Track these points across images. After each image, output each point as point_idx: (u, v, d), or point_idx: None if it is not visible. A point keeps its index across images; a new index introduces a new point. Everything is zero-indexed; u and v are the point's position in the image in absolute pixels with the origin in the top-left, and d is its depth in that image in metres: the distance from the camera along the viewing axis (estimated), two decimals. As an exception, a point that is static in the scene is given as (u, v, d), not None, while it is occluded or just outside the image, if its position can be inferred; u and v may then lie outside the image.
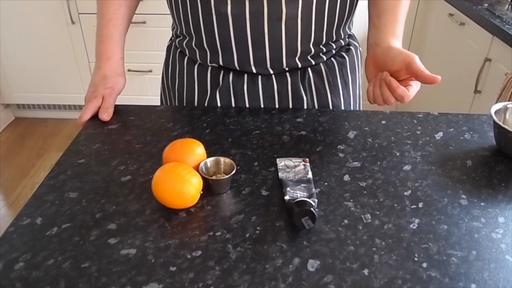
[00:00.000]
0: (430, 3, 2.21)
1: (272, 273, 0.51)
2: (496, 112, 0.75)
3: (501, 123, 0.72)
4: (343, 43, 0.88)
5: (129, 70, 2.35)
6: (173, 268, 0.51)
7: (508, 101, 1.35)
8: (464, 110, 1.81)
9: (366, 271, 0.51)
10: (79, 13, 2.28)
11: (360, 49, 0.94)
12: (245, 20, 0.75)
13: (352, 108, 0.93)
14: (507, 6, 1.79)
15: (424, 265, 0.52)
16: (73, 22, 2.30)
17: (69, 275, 0.50)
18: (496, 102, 1.31)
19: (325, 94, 0.87)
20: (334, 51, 0.87)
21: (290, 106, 0.86)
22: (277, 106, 0.86)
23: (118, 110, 0.84)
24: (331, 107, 0.88)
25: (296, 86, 0.84)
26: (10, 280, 0.50)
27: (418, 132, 0.79)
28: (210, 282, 0.50)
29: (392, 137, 0.77)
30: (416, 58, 0.68)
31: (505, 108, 0.77)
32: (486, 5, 1.79)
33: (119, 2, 0.85)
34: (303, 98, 0.85)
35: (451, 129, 0.80)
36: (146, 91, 2.42)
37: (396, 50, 0.71)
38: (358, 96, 0.95)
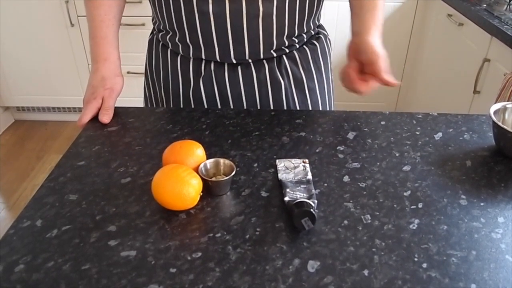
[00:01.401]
0: (428, 4, 2.21)
1: (272, 274, 0.51)
2: (495, 112, 0.75)
3: (500, 123, 0.72)
4: (313, 33, 0.94)
5: (128, 72, 2.35)
6: (173, 270, 0.51)
7: (507, 101, 1.35)
8: (463, 111, 1.81)
9: (366, 272, 0.51)
10: (78, 16, 2.29)
11: (329, 37, 1.00)
12: (226, 18, 0.79)
13: (326, 91, 0.97)
14: (505, 6, 1.79)
15: (424, 265, 0.52)
16: (72, 25, 2.30)
17: (69, 277, 0.50)
18: (495, 102, 1.32)
19: (301, 79, 0.91)
20: (305, 40, 0.91)
21: (269, 91, 0.90)
22: (257, 92, 0.89)
23: (118, 112, 0.85)
24: (307, 91, 0.92)
25: (273, 72, 0.88)
26: (10, 282, 0.50)
27: (418, 133, 0.79)
28: (210, 284, 0.50)
29: (392, 138, 0.78)
30: (380, 60, 0.75)
31: (504, 108, 0.77)
32: (485, 5, 1.79)
33: (109, 3, 0.86)
34: (281, 83, 0.89)
35: (451, 130, 0.81)
36: (146, 93, 2.42)
37: (368, 45, 0.77)
38: (331, 80, 1.00)
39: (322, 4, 0.90)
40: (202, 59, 0.87)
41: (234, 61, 0.86)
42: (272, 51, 0.86)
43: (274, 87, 0.89)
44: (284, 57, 0.89)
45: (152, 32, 0.98)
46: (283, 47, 0.87)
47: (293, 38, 0.87)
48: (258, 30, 0.81)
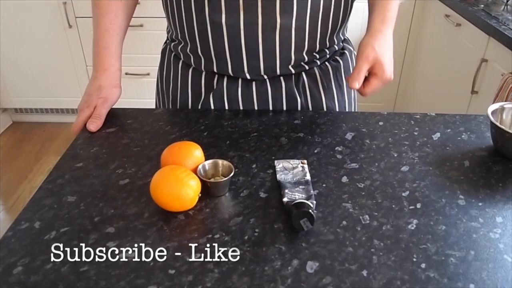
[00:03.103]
0: (426, 5, 2.22)
1: (271, 275, 0.51)
2: (493, 112, 0.75)
3: (498, 124, 0.72)
4: (337, 48, 0.89)
5: (126, 74, 2.35)
6: (172, 271, 0.51)
7: (505, 101, 1.35)
8: (461, 111, 1.81)
9: (365, 272, 0.51)
10: (76, 17, 2.28)
11: (355, 52, 0.94)
12: (240, 30, 0.75)
13: (347, 111, 0.93)
14: (503, 7, 1.79)
15: (423, 265, 0.52)
16: (70, 26, 2.30)
17: (68, 279, 0.50)
18: (493, 103, 1.32)
19: (320, 98, 0.87)
20: (328, 56, 0.87)
21: (285, 109, 0.86)
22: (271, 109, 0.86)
23: (116, 113, 0.84)
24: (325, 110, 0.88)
25: (291, 90, 0.85)
26: (8, 284, 0.50)
27: (416, 133, 0.79)
28: (209, 285, 0.50)
29: (390, 138, 0.78)
30: (385, 75, 0.78)
31: (502, 109, 0.77)
32: (482, 6, 1.79)
33: (115, 12, 0.84)
34: (297, 102, 0.86)
35: (449, 130, 0.81)
36: (144, 94, 2.42)
37: (360, 49, 0.78)
38: (353, 99, 0.95)
39: (349, 16, 0.85)
40: (214, 73, 0.84)
41: (248, 77, 0.82)
42: (290, 67, 0.81)
43: (290, 106, 0.86)
44: (303, 74, 0.84)
45: (165, 42, 0.96)
46: (302, 63, 0.82)
47: (314, 53, 0.82)
48: (275, 44, 0.77)
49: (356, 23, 2.12)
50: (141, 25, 2.25)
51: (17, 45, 2.38)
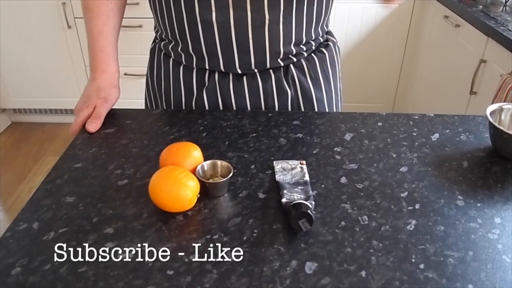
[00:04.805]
0: (425, 5, 2.22)
1: (269, 276, 0.51)
2: (492, 113, 0.75)
3: (496, 124, 0.72)
4: (321, 40, 0.92)
5: (125, 74, 2.35)
6: (170, 272, 0.51)
7: (504, 102, 1.35)
8: (460, 111, 1.81)
9: (363, 273, 0.51)
10: (75, 18, 2.28)
11: (338, 44, 0.97)
12: (230, 27, 0.77)
13: (334, 101, 0.95)
14: (501, 7, 1.80)
15: (421, 266, 0.52)
16: (69, 27, 2.30)
17: (66, 279, 0.50)
18: (492, 103, 1.32)
19: (309, 89, 0.89)
20: (314, 48, 0.89)
21: (276, 102, 0.88)
22: (262, 102, 0.88)
23: (115, 114, 0.84)
24: (314, 101, 0.90)
25: (280, 82, 0.86)
26: (7, 285, 0.50)
27: (414, 134, 0.79)
28: (208, 286, 0.50)
29: (389, 139, 0.78)
30: None
31: (501, 109, 0.77)
32: (481, 7, 1.80)
33: (107, 14, 0.84)
34: (287, 93, 0.87)
35: (447, 131, 0.81)
36: (143, 95, 2.40)
37: None
38: (339, 90, 0.97)
39: (331, 9, 0.88)
40: (205, 69, 0.85)
41: (239, 71, 0.83)
42: (279, 60, 0.83)
43: (281, 98, 0.87)
44: (292, 66, 0.86)
45: (154, 41, 0.96)
46: (290, 56, 0.84)
47: (301, 45, 0.84)
48: (264, 39, 0.79)
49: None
50: (140, 26, 2.25)
51: (16, 45, 2.38)
